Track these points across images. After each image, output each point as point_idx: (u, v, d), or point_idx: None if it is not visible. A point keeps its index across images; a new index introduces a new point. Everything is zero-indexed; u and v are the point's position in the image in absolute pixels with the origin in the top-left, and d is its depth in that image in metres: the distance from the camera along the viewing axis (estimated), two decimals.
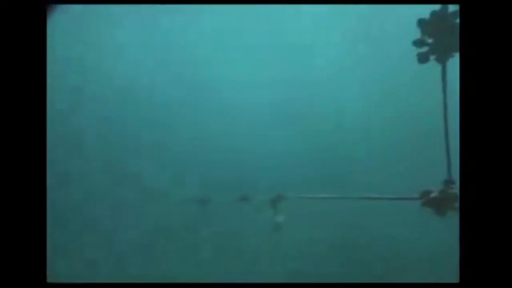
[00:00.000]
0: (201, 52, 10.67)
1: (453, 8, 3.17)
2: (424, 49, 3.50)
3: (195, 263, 7.55)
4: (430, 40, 3.45)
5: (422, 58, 3.47)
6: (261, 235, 7.64)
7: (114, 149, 9.29)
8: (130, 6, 9.47)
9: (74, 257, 7.46)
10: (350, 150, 9.15)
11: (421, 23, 3.46)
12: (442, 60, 3.45)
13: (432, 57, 3.48)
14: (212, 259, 7.54)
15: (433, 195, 3.09)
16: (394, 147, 9.22)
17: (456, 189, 2.89)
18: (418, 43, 3.48)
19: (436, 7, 3.38)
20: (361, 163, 8.29)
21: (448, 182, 3.04)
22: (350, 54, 10.33)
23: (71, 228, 7.94)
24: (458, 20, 3.03)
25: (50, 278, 2.63)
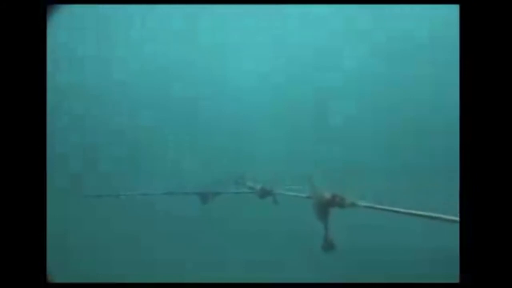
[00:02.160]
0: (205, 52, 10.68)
1: None
2: None
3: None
4: None
5: None
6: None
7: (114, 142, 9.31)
8: (132, 6, 9.48)
9: (76, 257, 7.47)
10: (357, 156, 9.15)
11: None
12: None
13: None
14: None
15: None
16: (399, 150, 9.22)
17: None
18: None
19: None
20: (368, 170, 8.24)
21: None
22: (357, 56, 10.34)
23: (72, 226, 7.94)
24: None
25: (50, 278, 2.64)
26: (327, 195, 3.50)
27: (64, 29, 7.71)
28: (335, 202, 3.47)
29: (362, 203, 3.43)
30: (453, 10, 2.64)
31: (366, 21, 9.75)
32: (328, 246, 3.54)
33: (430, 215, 2.87)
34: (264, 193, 5.20)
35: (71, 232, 7.72)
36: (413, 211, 2.95)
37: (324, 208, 3.52)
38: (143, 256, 7.94)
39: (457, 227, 2.36)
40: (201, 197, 5.78)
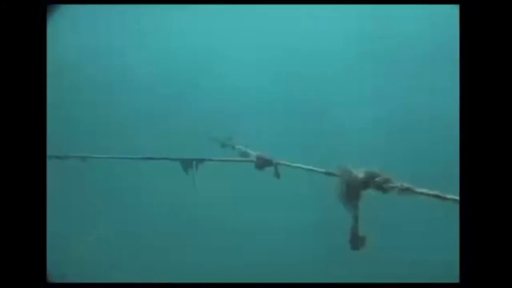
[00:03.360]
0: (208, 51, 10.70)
1: None
2: None
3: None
4: None
5: None
6: None
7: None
8: (133, 6, 9.50)
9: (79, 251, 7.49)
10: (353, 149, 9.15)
11: None
12: None
13: None
14: None
15: None
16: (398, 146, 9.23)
17: None
18: None
19: None
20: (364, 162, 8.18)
21: None
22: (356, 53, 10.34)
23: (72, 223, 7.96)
24: None
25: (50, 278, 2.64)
26: (359, 173, 2.68)
27: (64, 29, 7.72)
28: (373, 183, 2.63)
29: (421, 189, 2.64)
30: (453, 10, 2.64)
31: (366, 21, 9.77)
32: (357, 241, 2.67)
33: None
34: (263, 163, 3.96)
35: (71, 232, 7.73)
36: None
37: (355, 190, 2.66)
38: (143, 255, 7.95)
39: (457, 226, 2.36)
40: (183, 164, 4.94)
